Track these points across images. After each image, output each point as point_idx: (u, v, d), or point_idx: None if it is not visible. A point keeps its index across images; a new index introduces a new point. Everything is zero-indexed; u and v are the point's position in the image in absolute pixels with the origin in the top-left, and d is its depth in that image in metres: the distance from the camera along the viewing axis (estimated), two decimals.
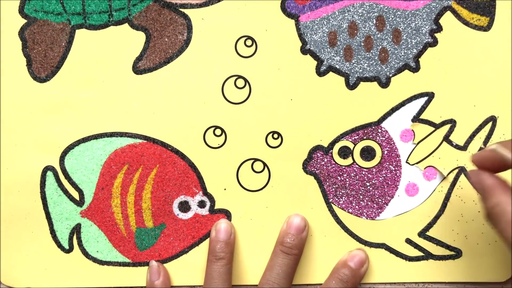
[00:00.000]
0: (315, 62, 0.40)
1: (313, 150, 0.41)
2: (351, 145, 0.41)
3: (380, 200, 0.41)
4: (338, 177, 0.41)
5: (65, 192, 0.41)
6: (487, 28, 0.40)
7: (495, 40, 0.40)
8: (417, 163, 0.40)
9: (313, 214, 0.41)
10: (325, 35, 0.40)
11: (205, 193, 0.41)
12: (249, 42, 0.40)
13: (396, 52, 0.40)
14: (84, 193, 0.41)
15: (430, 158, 0.40)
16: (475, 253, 0.41)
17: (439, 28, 0.40)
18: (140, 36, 0.40)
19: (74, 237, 0.41)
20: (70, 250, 0.41)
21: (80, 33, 0.40)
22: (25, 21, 0.40)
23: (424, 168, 0.40)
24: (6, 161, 0.41)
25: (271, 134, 0.41)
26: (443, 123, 0.40)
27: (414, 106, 0.40)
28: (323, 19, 0.40)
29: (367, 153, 0.41)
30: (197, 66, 0.40)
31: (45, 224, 0.41)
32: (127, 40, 0.40)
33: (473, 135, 0.40)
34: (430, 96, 0.40)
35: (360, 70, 0.40)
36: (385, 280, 0.41)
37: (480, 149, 0.40)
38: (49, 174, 0.41)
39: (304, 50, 0.40)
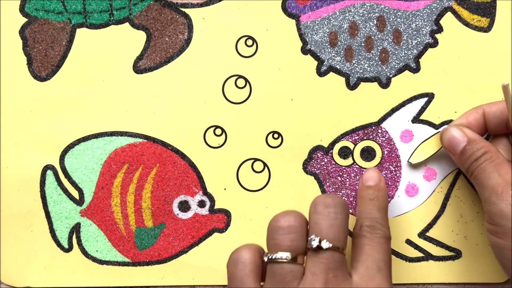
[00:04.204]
0: (316, 62, 0.40)
1: (313, 150, 0.41)
2: (351, 146, 0.41)
3: None
4: (338, 177, 0.41)
5: (65, 191, 0.41)
6: (487, 29, 0.40)
7: (496, 41, 0.40)
8: (417, 163, 0.40)
9: None
10: (325, 35, 0.40)
11: (205, 192, 0.41)
12: (249, 42, 0.40)
13: (396, 52, 0.40)
14: (84, 192, 0.41)
15: (430, 158, 0.40)
16: (474, 253, 0.41)
17: (440, 29, 0.40)
18: (141, 36, 0.40)
19: (74, 236, 0.41)
20: (69, 249, 0.41)
21: (81, 32, 0.40)
22: (26, 19, 0.40)
23: (424, 169, 0.41)
24: (6, 160, 0.41)
25: (271, 134, 0.41)
26: (443, 124, 0.40)
27: (414, 107, 0.40)
28: (324, 19, 0.40)
29: (367, 154, 0.41)
30: (197, 65, 0.40)
31: (44, 223, 0.41)
32: (128, 40, 0.40)
33: None
34: (430, 96, 0.40)
35: (361, 71, 0.40)
36: None
37: None
38: (49, 173, 0.41)
39: (304, 50, 0.40)
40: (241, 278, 0.33)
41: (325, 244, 0.32)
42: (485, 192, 0.35)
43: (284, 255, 0.32)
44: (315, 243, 0.32)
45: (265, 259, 0.33)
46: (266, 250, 0.34)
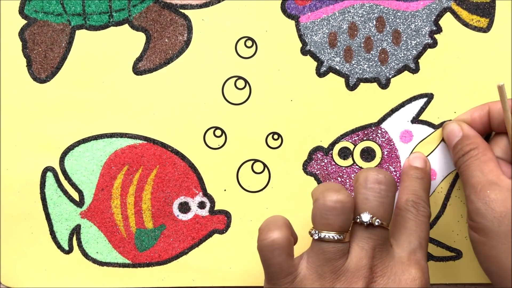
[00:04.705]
0: (315, 63, 0.40)
1: (313, 151, 0.41)
2: (351, 146, 0.41)
3: None
4: (338, 178, 0.41)
5: (65, 193, 0.41)
6: (486, 29, 0.40)
7: (495, 41, 0.40)
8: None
9: None
10: (325, 36, 0.40)
11: (205, 194, 0.41)
12: (249, 43, 0.40)
13: (396, 53, 0.40)
14: (84, 194, 0.41)
15: (429, 159, 0.40)
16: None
17: (439, 29, 0.40)
18: (140, 37, 0.40)
19: (74, 238, 0.41)
20: (70, 251, 0.41)
21: (80, 34, 0.40)
22: (25, 21, 0.40)
23: None
24: (6, 162, 0.41)
25: (271, 135, 0.41)
26: (442, 124, 0.40)
27: (414, 107, 0.40)
28: (323, 20, 0.40)
29: (367, 154, 0.41)
30: (197, 67, 0.40)
31: (45, 225, 0.41)
32: (127, 41, 0.40)
33: None
34: (430, 97, 0.40)
35: (360, 71, 0.40)
36: None
37: None
38: (49, 174, 0.41)
39: (304, 51, 0.40)
40: (279, 264, 0.33)
41: (376, 222, 0.33)
42: (466, 189, 0.36)
43: (336, 236, 0.33)
44: (367, 220, 0.33)
45: (315, 237, 0.33)
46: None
